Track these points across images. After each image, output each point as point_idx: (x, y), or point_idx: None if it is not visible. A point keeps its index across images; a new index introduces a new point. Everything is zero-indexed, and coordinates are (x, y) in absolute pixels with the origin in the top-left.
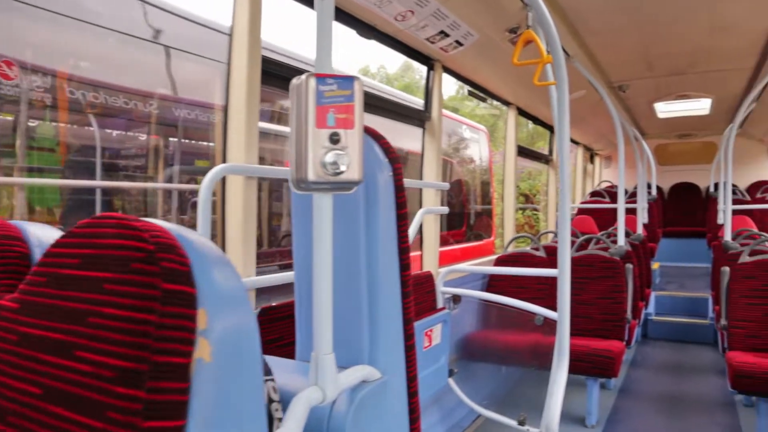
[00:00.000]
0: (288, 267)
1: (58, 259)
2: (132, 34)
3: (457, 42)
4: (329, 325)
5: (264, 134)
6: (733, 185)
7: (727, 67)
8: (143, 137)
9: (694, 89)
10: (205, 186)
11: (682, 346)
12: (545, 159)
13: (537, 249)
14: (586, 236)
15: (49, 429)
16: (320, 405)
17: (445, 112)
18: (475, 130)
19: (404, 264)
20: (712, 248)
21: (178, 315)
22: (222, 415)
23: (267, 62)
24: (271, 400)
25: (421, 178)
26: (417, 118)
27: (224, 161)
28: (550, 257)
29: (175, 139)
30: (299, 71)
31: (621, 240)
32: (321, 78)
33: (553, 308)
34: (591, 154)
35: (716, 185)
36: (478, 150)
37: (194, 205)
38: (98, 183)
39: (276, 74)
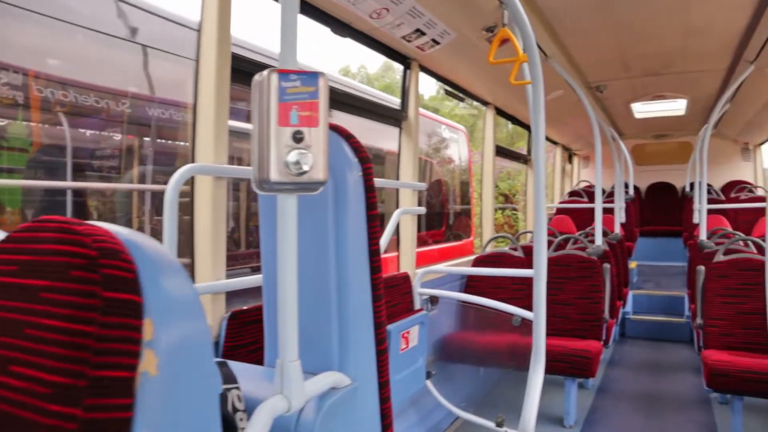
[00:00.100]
0: None
1: None
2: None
3: (434, 41)
4: (294, 331)
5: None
6: (708, 185)
7: (702, 68)
8: (116, 137)
9: (669, 90)
10: (172, 187)
11: (659, 345)
12: (524, 159)
13: (515, 249)
14: (564, 236)
15: None
16: (286, 414)
17: (423, 111)
18: (454, 129)
19: (375, 266)
20: (688, 247)
21: (121, 326)
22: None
23: (237, 59)
24: (235, 410)
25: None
26: (393, 117)
27: (193, 161)
28: (528, 257)
29: (150, 139)
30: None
31: (598, 239)
32: (283, 74)
33: (531, 308)
34: (569, 154)
35: (692, 185)
36: (457, 150)
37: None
38: (55, 184)
39: (247, 72)
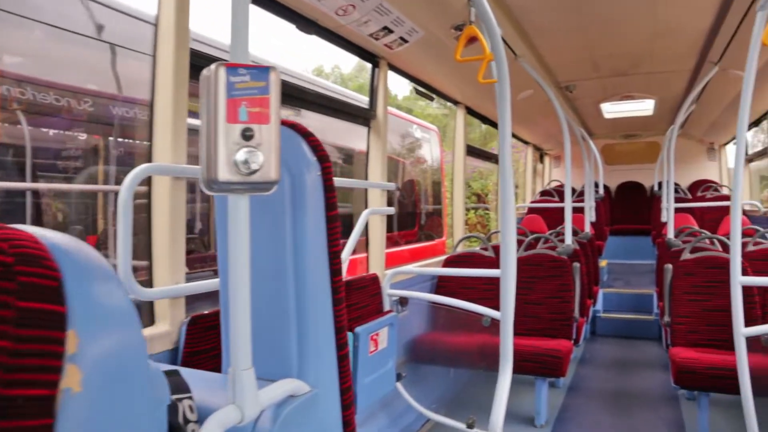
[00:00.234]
0: None
1: None
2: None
3: (402, 39)
4: (247, 338)
5: None
6: (676, 184)
7: (669, 68)
8: (80, 136)
9: (638, 90)
10: (126, 187)
11: (629, 342)
12: (495, 159)
13: (486, 249)
14: (534, 235)
15: None
16: (240, 425)
17: (395, 111)
18: (426, 129)
19: (335, 269)
20: (656, 245)
21: (39, 339)
22: None
23: (197, 56)
24: (187, 421)
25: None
26: (362, 116)
27: (150, 161)
28: (499, 257)
29: (113, 139)
30: None
31: (568, 239)
32: (232, 68)
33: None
34: (541, 154)
35: (660, 184)
36: (429, 150)
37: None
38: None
39: None
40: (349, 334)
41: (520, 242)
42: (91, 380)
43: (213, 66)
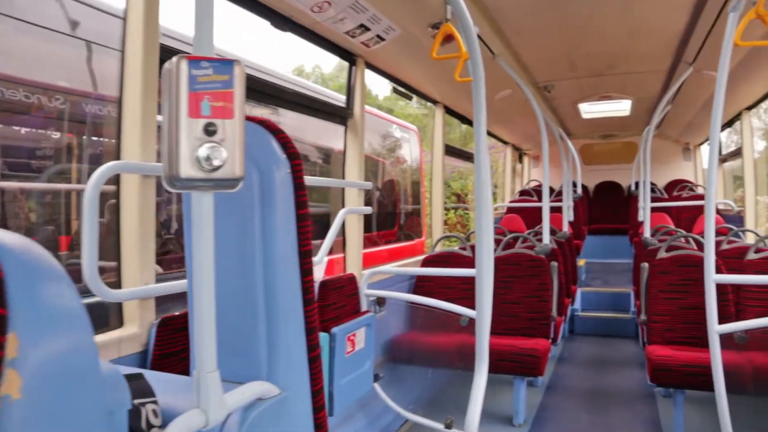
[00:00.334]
0: None
1: None
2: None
3: (379, 37)
4: (212, 340)
5: None
6: (652, 184)
7: (645, 69)
8: (49, 134)
9: (614, 90)
10: (92, 186)
11: (606, 341)
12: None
13: (464, 249)
14: (512, 235)
15: None
16: (204, 430)
17: (374, 110)
18: (406, 129)
19: (306, 269)
20: (633, 244)
21: None
22: None
23: (168, 51)
24: (150, 425)
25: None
26: (339, 115)
27: (119, 158)
28: None
29: (85, 137)
30: None
31: (546, 238)
32: (194, 61)
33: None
34: (520, 154)
35: (637, 184)
36: (408, 150)
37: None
38: None
39: None
40: (326, 335)
41: (498, 242)
42: (32, 387)
43: (175, 58)
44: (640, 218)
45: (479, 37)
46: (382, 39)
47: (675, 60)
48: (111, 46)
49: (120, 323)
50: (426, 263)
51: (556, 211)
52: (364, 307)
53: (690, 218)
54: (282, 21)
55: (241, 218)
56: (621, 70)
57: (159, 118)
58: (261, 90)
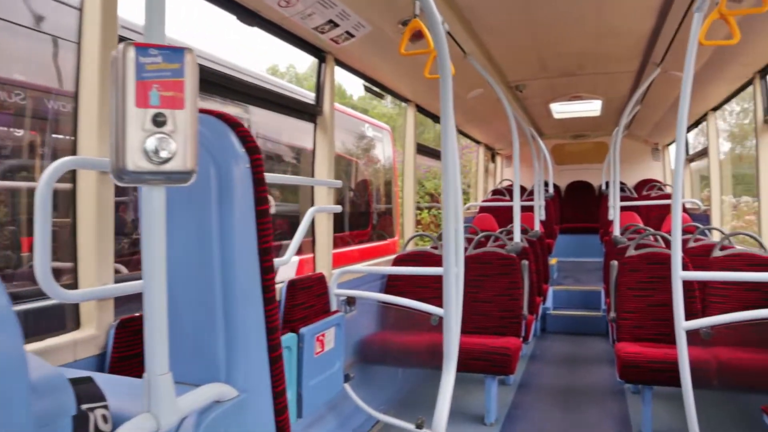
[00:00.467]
0: None
1: None
2: None
3: (348, 33)
4: (164, 341)
5: None
6: (622, 183)
7: (614, 69)
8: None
9: (585, 90)
10: (44, 182)
11: (578, 339)
12: None
13: (436, 248)
14: (483, 233)
15: None
16: None
17: (346, 109)
18: (379, 129)
19: (266, 267)
20: (604, 243)
21: None
22: None
23: None
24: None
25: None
26: (307, 112)
27: (75, 154)
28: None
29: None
30: None
31: (517, 237)
32: (142, 48)
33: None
34: (492, 154)
35: (608, 183)
36: (382, 149)
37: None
38: None
39: None
40: (293, 335)
41: (470, 241)
42: None
43: (121, 45)
44: (610, 217)
45: (450, 34)
46: (352, 36)
47: (643, 61)
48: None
49: (77, 325)
50: (397, 262)
51: (528, 210)
52: (333, 306)
53: (659, 217)
54: (248, 15)
55: (198, 215)
56: (591, 70)
57: None
58: (228, 86)
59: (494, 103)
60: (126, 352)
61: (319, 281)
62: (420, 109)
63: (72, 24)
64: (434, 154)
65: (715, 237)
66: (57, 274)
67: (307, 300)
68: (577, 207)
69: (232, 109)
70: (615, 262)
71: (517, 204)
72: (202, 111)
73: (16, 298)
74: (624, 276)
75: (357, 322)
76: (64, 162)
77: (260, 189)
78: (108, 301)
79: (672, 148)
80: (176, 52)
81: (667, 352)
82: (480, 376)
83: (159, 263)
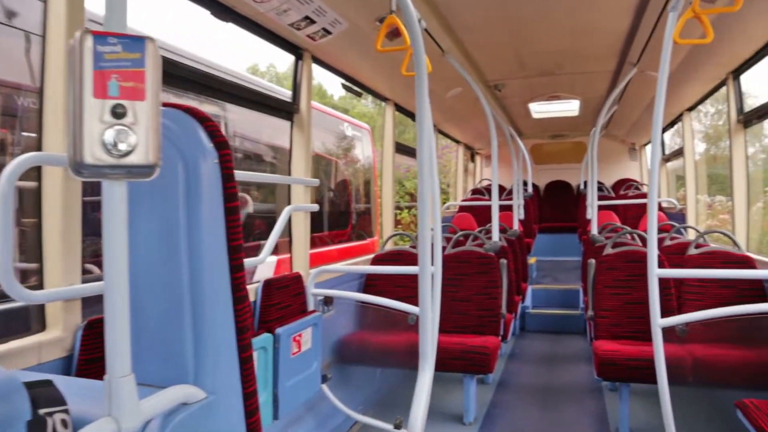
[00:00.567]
0: None
1: None
2: None
3: (325, 30)
4: (125, 341)
5: None
6: (600, 183)
7: (592, 69)
8: None
9: (563, 90)
10: (5, 179)
11: (556, 337)
12: None
13: (415, 247)
14: (462, 232)
15: None
16: None
17: (325, 108)
18: (359, 128)
19: (236, 264)
20: (582, 242)
21: None
22: None
23: None
24: None
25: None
26: (284, 110)
27: (40, 150)
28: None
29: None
30: None
31: (495, 236)
32: (100, 36)
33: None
34: (472, 153)
35: (586, 183)
36: (361, 149)
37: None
38: None
39: None
40: (269, 336)
41: (449, 239)
42: None
43: (78, 33)
44: (588, 216)
45: (427, 32)
46: (329, 32)
47: (620, 61)
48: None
49: (42, 327)
50: (375, 261)
51: (507, 209)
52: (311, 306)
53: (636, 216)
54: (223, 11)
55: (165, 212)
56: (569, 69)
57: None
58: (203, 83)
59: (473, 102)
60: (94, 354)
61: (296, 281)
62: (399, 108)
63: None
64: (414, 153)
65: (691, 235)
66: (27, 275)
67: (284, 300)
68: (556, 206)
69: (208, 108)
70: (593, 261)
71: (495, 203)
72: (170, 105)
73: None
74: (601, 274)
75: (335, 322)
76: (26, 158)
77: (229, 185)
78: (75, 301)
79: (649, 147)
80: (137, 41)
81: (644, 349)
82: (459, 375)
83: (120, 261)
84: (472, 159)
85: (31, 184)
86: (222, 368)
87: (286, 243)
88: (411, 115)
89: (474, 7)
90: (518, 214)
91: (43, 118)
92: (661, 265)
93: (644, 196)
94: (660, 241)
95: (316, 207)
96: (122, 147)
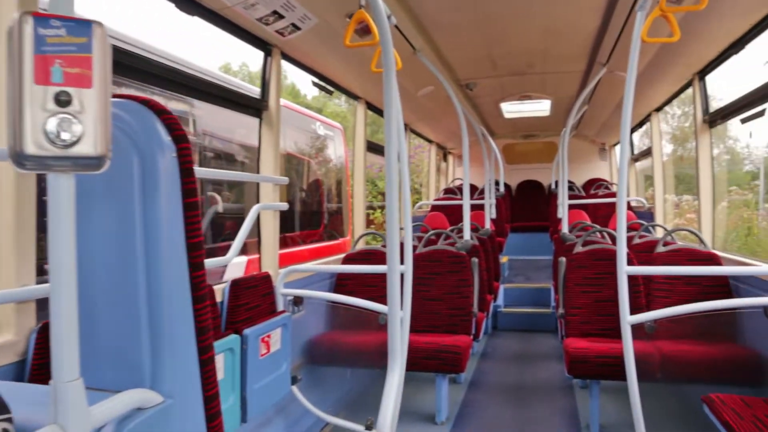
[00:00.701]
0: None
1: None
2: None
3: (294, 25)
4: (73, 344)
5: None
6: (571, 182)
7: (562, 69)
8: None
9: (534, 90)
10: None
11: (528, 336)
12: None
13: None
14: (434, 231)
15: None
16: None
17: (296, 106)
18: (331, 127)
19: (195, 262)
20: (553, 241)
21: None
22: None
23: None
24: None
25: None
26: (252, 107)
27: None
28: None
29: None
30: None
31: (467, 234)
32: (42, 18)
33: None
34: (444, 153)
35: (557, 182)
36: (334, 148)
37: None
38: None
39: None
40: (237, 337)
41: (420, 239)
42: None
43: (17, 14)
44: (559, 215)
45: (398, 29)
46: (298, 28)
47: (590, 61)
48: None
49: None
50: (347, 261)
51: (479, 209)
52: (280, 307)
53: (606, 215)
54: (188, 3)
55: (120, 208)
56: (540, 69)
57: None
58: (168, 77)
59: (445, 101)
60: (48, 359)
61: (265, 281)
62: (371, 107)
63: None
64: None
65: (659, 234)
66: None
67: (252, 300)
68: (528, 206)
69: (174, 105)
70: (563, 259)
71: (466, 202)
72: (126, 96)
73: None
74: (572, 272)
75: (305, 322)
76: None
77: (188, 180)
78: (29, 303)
79: (618, 148)
80: (82, 24)
81: (613, 346)
82: (431, 374)
83: (66, 258)
84: (445, 159)
85: None
86: (180, 371)
87: (256, 243)
88: (383, 114)
89: (445, 5)
90: (490, 213)
91: None
92: (630, 263)
93: (614, 195)
94: (629, 239)
95: (285, 206)
96: (65, 136)
